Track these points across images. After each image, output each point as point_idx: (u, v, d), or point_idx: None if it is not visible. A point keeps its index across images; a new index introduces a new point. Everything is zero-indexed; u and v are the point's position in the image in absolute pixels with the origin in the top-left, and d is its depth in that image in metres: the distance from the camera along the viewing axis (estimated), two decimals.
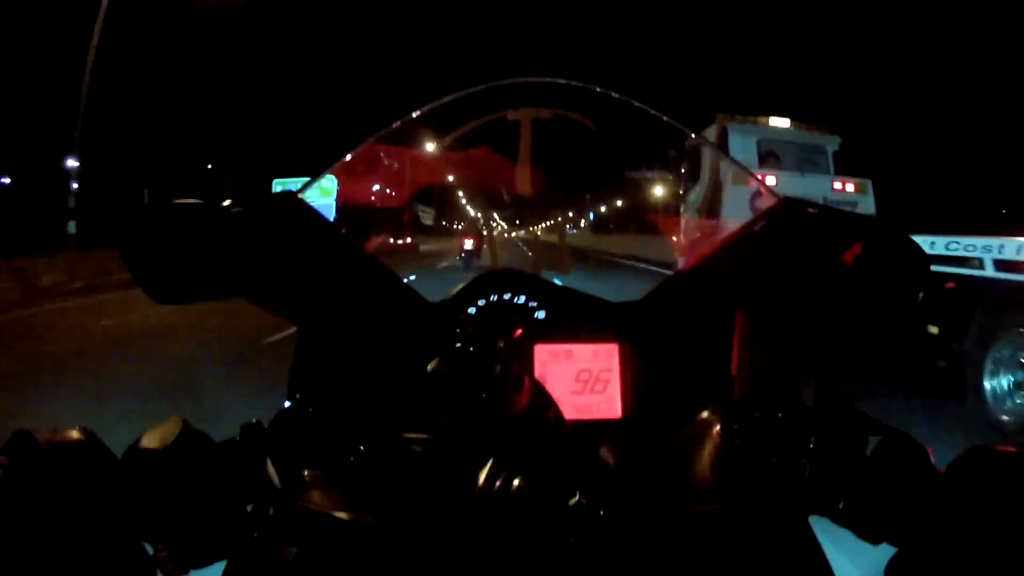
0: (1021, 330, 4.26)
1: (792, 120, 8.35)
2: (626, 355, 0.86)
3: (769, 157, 7.91)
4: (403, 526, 0.55)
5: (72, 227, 15.07)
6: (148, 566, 0.53)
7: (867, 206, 7.67)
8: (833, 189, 7.81)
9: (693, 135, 0.89)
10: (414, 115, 0.90)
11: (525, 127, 0.98)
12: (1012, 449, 0.53)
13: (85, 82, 14.86)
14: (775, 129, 8.26)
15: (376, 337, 0.85)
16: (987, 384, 4.40)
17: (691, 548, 0.56)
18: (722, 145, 7.67)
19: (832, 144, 8.42)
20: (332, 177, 0.93)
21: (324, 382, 0.82)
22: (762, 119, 8.21)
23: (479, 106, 0.96)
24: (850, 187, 7.85)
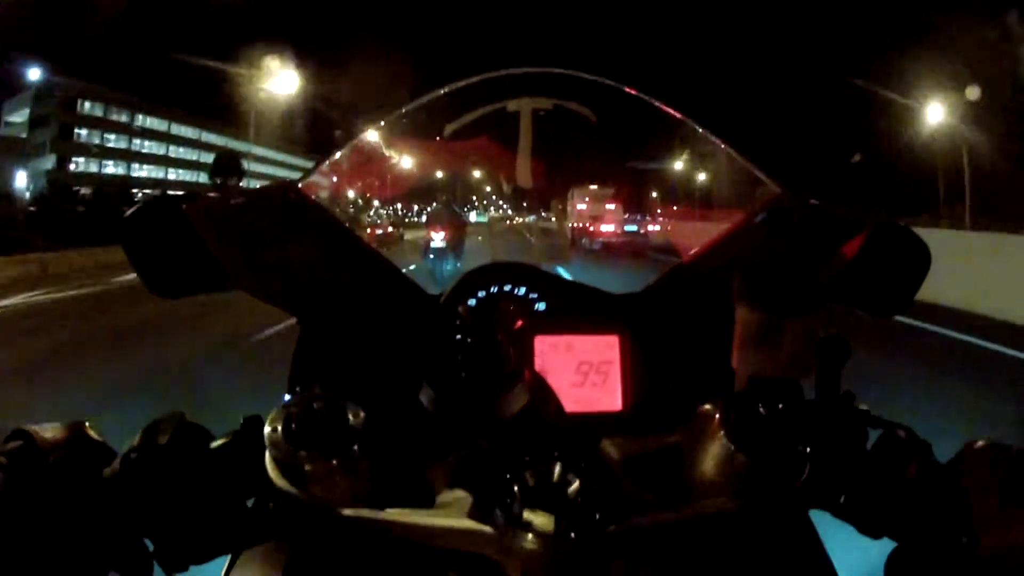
0: None
1: (599, 185, 17.92)
2: (626, 347, 0.85)
3: (585, 198, 17.49)
4: (403, 519, 0.55)
5: None
6: (148, 561, 0.53)
7: (620, 214, 17.83)
8: (605, 208, 17.37)
9: (690, 122, 0.87)
10: (412, 106, 0.89)
11: (525, 117, 0.97)
12: (1012, 444, 0.52)
13: None
14: (590, 189, 17.72)
15: (376, 329, 0.85)
16: None
17: (691, 542, 0.56)
18: (570, 197, 16.71)
19: (610, 192, 17.73)
20: None
21: (324, 375, 0.81)
22: (584, 186, 17.60)
23: (478, 96, 0.95)
24: (612, 206, 17.53)
